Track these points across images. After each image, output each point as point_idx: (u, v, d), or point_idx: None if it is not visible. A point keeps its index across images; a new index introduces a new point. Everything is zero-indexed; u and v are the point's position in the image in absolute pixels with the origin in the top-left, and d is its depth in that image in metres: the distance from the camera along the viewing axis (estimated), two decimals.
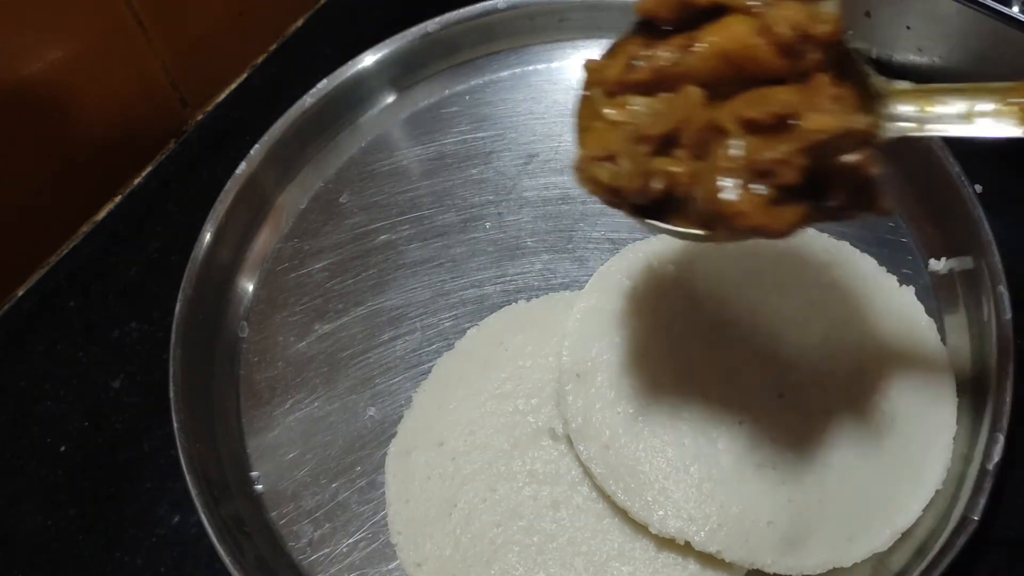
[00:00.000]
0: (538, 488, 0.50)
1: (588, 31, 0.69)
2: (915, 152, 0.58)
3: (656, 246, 0.56)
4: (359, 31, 0.72)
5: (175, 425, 0.52)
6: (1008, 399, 0.49)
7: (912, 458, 0.49)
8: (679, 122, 0.38)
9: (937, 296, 0.57)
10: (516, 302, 0.58)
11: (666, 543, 0.47)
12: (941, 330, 0.54)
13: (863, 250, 0.56)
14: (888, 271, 0.55)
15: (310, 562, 0.51)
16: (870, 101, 0.41)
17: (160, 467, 0.56)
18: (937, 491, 0.48)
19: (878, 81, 0.42)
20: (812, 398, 0.50)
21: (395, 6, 0.75)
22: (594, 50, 0.70)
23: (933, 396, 0.51)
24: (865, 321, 0.53)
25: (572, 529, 0.48)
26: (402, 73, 0.68)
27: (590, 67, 0.43)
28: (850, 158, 0.37)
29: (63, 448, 0.58)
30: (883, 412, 0.50)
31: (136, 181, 0.70)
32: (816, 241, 0.57)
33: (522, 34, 0.69)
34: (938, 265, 0.57)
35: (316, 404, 0.56)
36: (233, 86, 0.74)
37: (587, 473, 0.49)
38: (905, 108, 0.42)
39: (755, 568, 0.46)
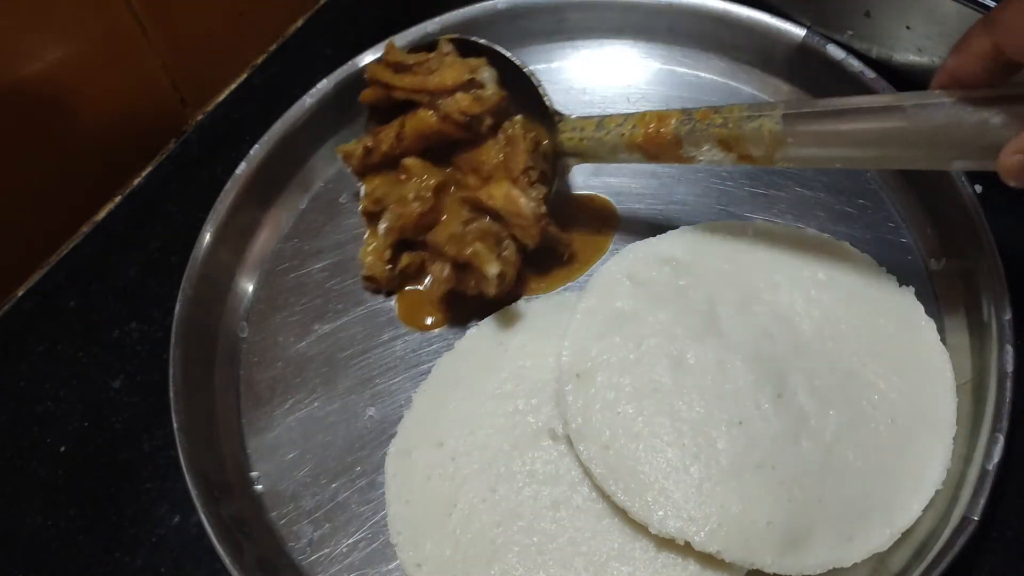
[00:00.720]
0: (538, 488, 0.50)
1: (588, 31, 0.69)
2: None
3: (656, 247, 0.56)
4: (359, 31, 0.72)
5: (175, 425, 0.52)
6: (1008, 399, 0.49)
7: (912, 458, 0.49)
8: (406, 218, 0.57)
9: (937, 296, 0.57)
10: (516, 302, 0.58)
11: (666, 543, 0.47)
12: (941, 330, 0.53)
13: (863, 250, 0.56)
14: (888, 271, 0.55)
15: (310, 562, 0.51)
16: (552, 130, 0.57)
17: (160, 467, 0.56)
18: (937, 491, 0.48)
19: (555, 115, 0.57)
20: (811, 398, 0.50)
21: (395, 6, 0.75)
22: (594, 50, 0.70)
23: (933, 396, 0.51)
24: (865, 321, 0.53)
25: (572, 529, 0.48)
26: None
27: (341, 153, 0.61)
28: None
29: (63, 448, 0.58)
30: (883, 412, 0.50)
31: (136, 181, 0.70)
32: (816, 241, 0.57)
33: (522, 34, 0.68)
34: (938, 265, 0.57)
35: (316, 404, 0.56)
36: (233, 86, 0.74)
37: (587, 473, 0.49)
38: (568, 140, 0.57)
39: (755, 568, 0.46)
